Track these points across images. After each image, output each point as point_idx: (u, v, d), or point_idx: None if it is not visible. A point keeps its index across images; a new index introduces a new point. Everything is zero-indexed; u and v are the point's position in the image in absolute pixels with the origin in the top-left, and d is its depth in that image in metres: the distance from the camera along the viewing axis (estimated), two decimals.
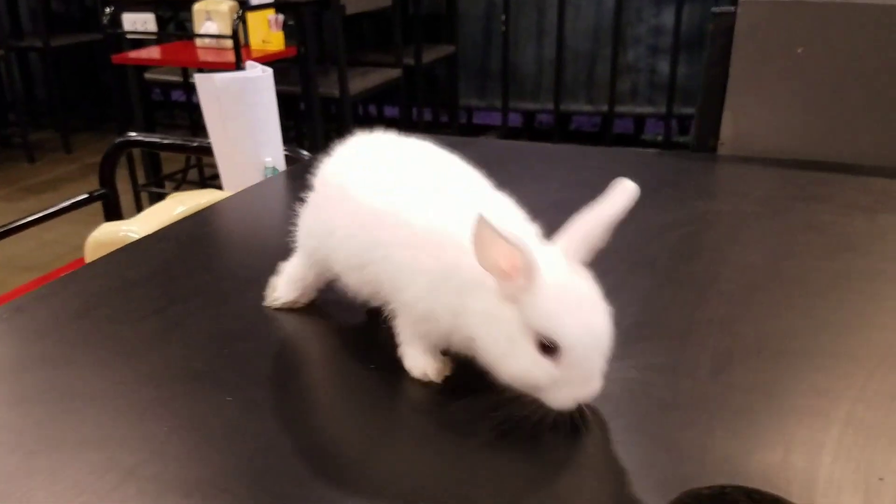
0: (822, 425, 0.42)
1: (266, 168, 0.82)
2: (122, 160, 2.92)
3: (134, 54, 2.87)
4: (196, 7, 2.74)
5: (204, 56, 2.72)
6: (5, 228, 1.03)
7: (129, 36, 2.97)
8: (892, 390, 0.45)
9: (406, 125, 3.86)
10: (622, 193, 0.47)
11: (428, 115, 4.03)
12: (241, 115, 0.81)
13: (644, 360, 0.49)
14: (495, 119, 3.97)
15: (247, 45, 2.74)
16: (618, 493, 0.39)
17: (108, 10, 2.84)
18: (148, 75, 3.17)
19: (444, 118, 4.04)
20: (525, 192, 0.75)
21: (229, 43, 2.55)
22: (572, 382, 0.42)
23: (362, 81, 3.12)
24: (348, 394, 0.48)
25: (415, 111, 3.74)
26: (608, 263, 0.51)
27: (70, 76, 4.48)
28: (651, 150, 0.88)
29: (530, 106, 3.90)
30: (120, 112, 3.26)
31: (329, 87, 2.96)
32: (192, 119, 3.43)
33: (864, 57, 0.87)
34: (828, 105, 0.90)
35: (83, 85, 4.47)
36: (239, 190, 0.79)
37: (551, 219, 0.53)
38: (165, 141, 0.97)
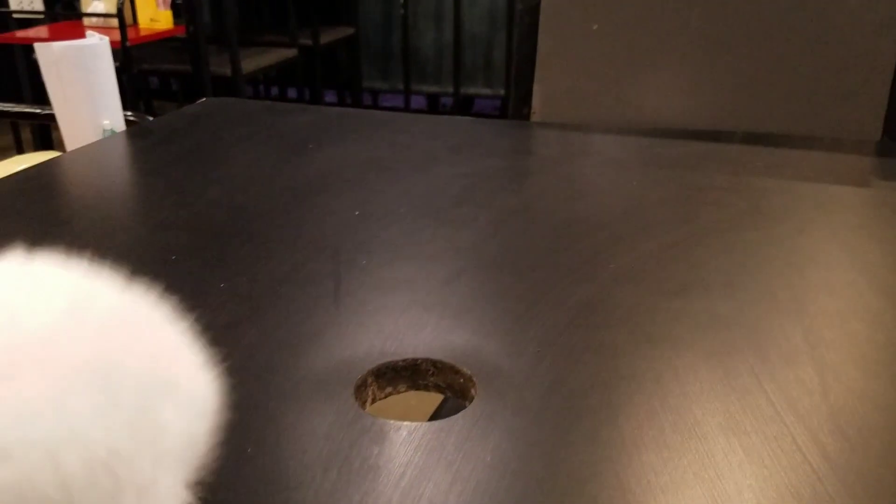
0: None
1: (105, 130, 0.88)
2: (9, 142, 2.86)
3: (21, 34, 2.82)
4: None
5: (90, 35, 2.70)
6: None
7: (15, 16, 2.92)
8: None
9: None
10: None
11: (332, 97, 4.08)
12: (79, 80, 0.87)
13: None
14: (399, 101, 4.04)
15: (135, 24, 2.73)
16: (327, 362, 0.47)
17: None
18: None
19: (349, 100, 4.09)
20: (340, 150, 0.84)
21: (115, 21, 2.54)
22: None
23: (256, 61, 3.15)
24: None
25: (315, 93, 3.77)
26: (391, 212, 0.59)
27: None
28: (473, 118, 0.97)
29: (433, 88, 3.99)
30: (10, 93, 3.19)
31: (222, 66, 2.98)
32: None
33: (654, 29, 0.99)
34: (625, 75, 1.02)
35: None
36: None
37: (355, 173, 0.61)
38: (16, 109, 1.02)
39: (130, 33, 2.64)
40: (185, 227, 0.67)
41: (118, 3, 2.48)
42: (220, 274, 0.59)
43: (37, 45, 0.87)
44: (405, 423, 0.42)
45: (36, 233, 0.65)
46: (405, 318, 0.53)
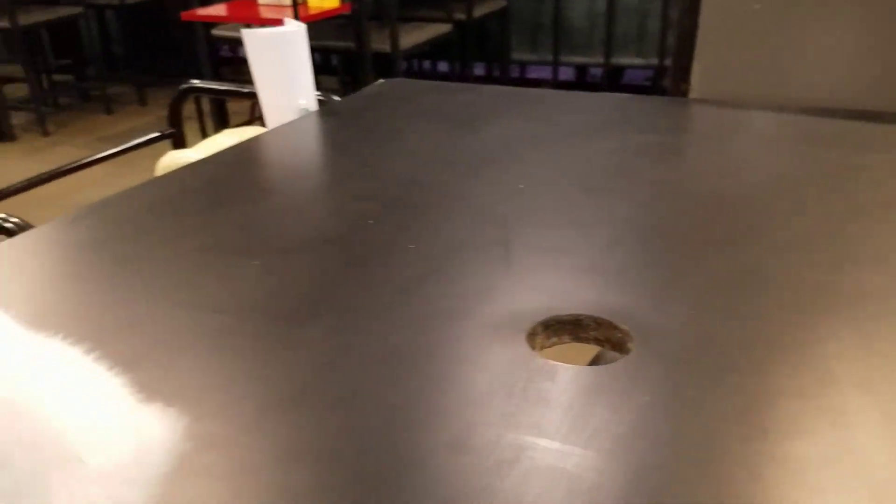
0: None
1: (300, 108, 1.00)
2: (192, 112, 3.16)
3: (202, 11, 3.08)
4: None
5: (265, 13, 2.91)
6: (86, 161, 1.24)
7: None
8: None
9: (458, 80, 4.00)
10: None
11: (480, 70, 4.16)
12: (280, 63, 0.99)
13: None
14: (547, 73, 4.07)
15: (304, 2, 2.92)
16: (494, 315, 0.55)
17: None
18: (215, 31, 3.38)
19: (497, 72, 4.16)
20: (503, 126, 0.92)
21: (288, 0, 2.73)
22: None
23: (413, 36, 3.27)
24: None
25: (465, 66, 3.86)
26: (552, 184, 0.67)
27: (143, 32, 4.74)
28: (627, 95, 1.01)
29: (581, 60, 3.98)
30: (190, 67, 3.51)
31: (382, 42, 3.12)
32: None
33: (817, 7, 1.00)
34: (786, 52, 1.03)
35: (155, 40, 4.72)
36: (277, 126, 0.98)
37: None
38: (223, 87, 1.17)
39: (301, 12, 2.83)
40: (373, 198, 0.77)
41: None
42: (408, 237, 0.68)
43: (243, 31, 1.00)
44: (572, 365, 0.50)
45: (252, 198, 0.78)
46: (568, 279, 0.60)
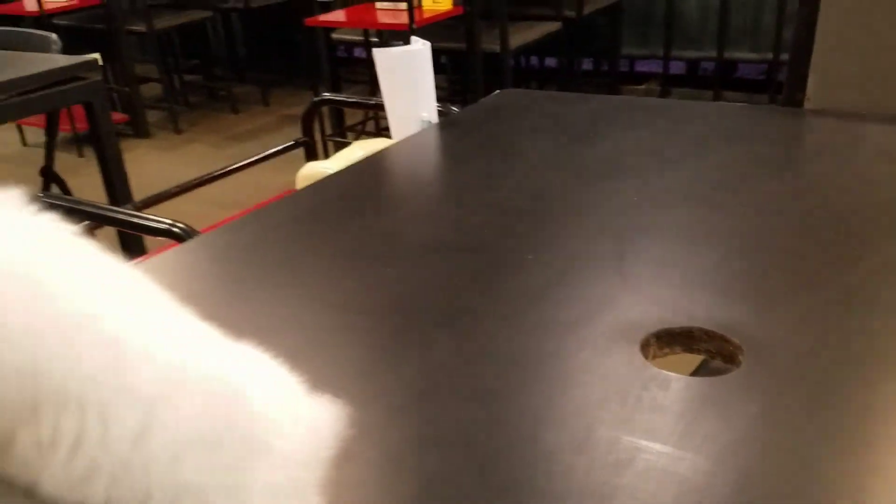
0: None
1: (422, 121, 1.07)
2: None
3: (323, 17, 3.23)
4: None
5: (382, 18, 3.02)
6: (232, 167, 1.36)
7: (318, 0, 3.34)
8: None
9: (566, 76, 4.00)
10: None
11: (588, 65, 4.15)
12: (406, 79, 1.07)
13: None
14: (657, 67, 4.02)
15: (419, 6, 3.01)
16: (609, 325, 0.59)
17: None
18: (334, 35, 3.53)
19: (605, 67, 4.14)
20: (618, 137, 0.96)
21: (404, 5, 2.83)
22: None
23: (522, 36, 3.31)
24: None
25: (572, 62, 3.87)
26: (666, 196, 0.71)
27: (266, 34, 4.98)
28: (742, 105, 1.03)
29: (693, 54, 3.91)
30: (310, 68, 3.68)
31: (491, 42, 3.18)
32: (370, 74, 3.79)
33: None
34: None
35: (278, 42, 4.94)
36: (402, 138, 1.06)
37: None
38: (351, 99, 1.26)
39: (416, 16, 2.92)
40: (493, 210, 0.83)
41: None
42: (526, 249, 0.74)
43: (374, 51, 1.07)
44: (684, 375, 0.54)
45: (383, 208, 0.85)
46: (679, 292, 0.64)
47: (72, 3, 3.93)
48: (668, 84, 4.00)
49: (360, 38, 3.49)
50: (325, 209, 0.84)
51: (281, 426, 0.35)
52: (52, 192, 1.75)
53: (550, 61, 4.25)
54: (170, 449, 0.30)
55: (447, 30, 3.40)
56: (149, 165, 3.65)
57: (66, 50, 1.81)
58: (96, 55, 1.62)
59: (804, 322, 0.59)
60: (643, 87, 4.11)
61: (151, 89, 4.45)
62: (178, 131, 4.16)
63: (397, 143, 1.02)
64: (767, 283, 0.66)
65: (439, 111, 1.11)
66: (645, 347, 0.58)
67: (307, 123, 1.28)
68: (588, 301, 0.64)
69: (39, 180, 1.78)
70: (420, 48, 1.06)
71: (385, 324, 0.63)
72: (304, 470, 0.35)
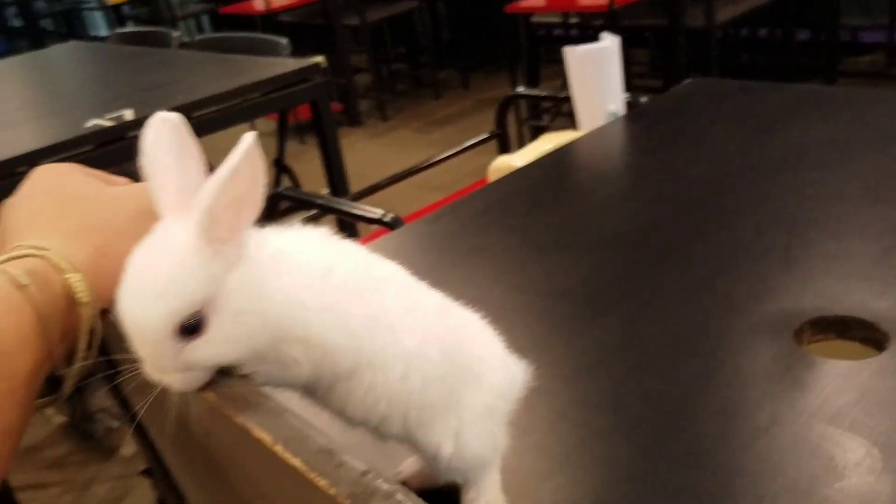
0: None
1: (609, 113, 1.15)
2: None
3: (524, 3, 3.32)
4: None
5: (581, 0, 3.07)
6: (428, 163, 1.51)
7: None
8: None
9: (779, 48, 3.80)
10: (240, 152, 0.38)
11: (804, 35, 3.91)
12: (594, 75, 1.14)
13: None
14: (880, 37, 3.70)
15: None
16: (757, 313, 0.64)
17: None
18: (534, 19, 3.62)
19: (823, 38, 3.87)
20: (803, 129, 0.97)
21: None
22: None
23: (729, 10, 3.20)
24: None
25: (787, 33, 3.66)
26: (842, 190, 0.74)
27: (470, 20, 5.16)
28: None
29: None
30: (509, 53, 3.80)
31: (696, 18, 3.11)
32: None
33: None
34: None
35: (478, 28, 5.12)
36: (589, 130, 1.14)
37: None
38: (543, 94, 1.35)
39: None
40: (669, 201, 0.89)
41: None
42: (699, 239, 0.80)
43: (565, 49, 1.16)
44: (833, 360, 0.59)
45: (566, 200, 0.94)
46: (840, 284, 0.68)
47: (293, 0, 4.33)
48: (892, 55, 3.68)
49: (558, 20, 3.55)
50: (512, 201, 0.95)
51: (490, 364, 0.48)
52: (283, 182, 2.01)
53: (763, 32, 4.05)
54: (420, 383, 0.43)
55: (648, 7, 3.37)
56: (360, 152, 3.97)
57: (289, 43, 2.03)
58: (321, 58, 1.84)
59: None
60: (866, 59, 3.81)
61: (362, 79, 4.79)
62: (384, 118, 4.46)
63: (583, 137, 1.10)
64: None
65: (628, 102, 1.18)
66: (799, 333, 0.63)
67: (501, 116, 1.39)
68: (749, 290, 0.70)
69: (272, 171, 2.05)
70: (608, 45, 1.13)
71: (560, 305, 0.73)
72: (501, 400, 0.48)
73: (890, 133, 0.96)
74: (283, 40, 2.02)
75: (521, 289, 0.76)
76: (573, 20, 3.52)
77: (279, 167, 2.03)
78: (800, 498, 0.48)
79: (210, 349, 0.39)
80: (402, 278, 0.47)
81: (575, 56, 1.16)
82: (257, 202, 0.39)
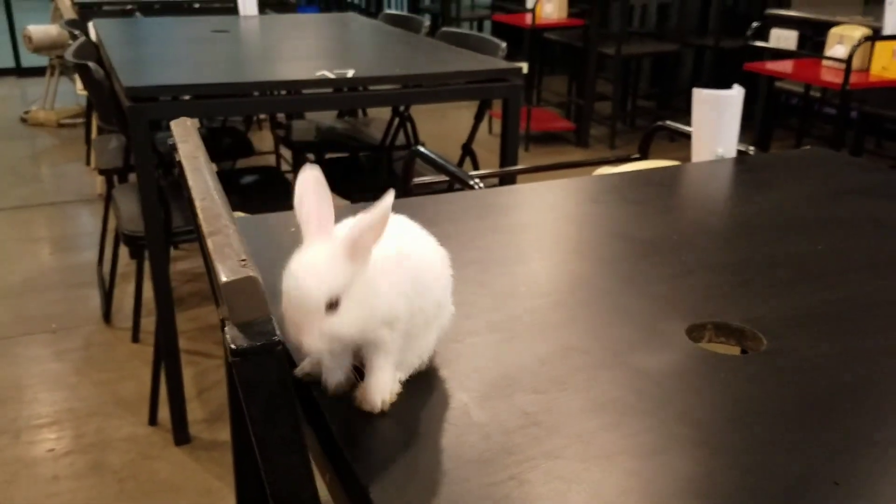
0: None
1: (717, 154, 1.23)
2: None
3: (770, 65, 3.28)
4: (832, 31, 3.01)
5: (824, 75, 2.99)
6: (572, 163, 1.64)
7: (769, 49, 3.41)
8: None
9: None
10: (381, 208, 0.55)
11: None
12: (714, 116, 1.24)
13: None
14: None
15: (867, 69, 2.91)
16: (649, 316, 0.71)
17: (754, 24, 3.33)
18: (778, 84, 3.56)
19: None
20: None
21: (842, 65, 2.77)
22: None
23: None
24: None
25: None
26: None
27: (729, 74, 5.09)
28: None
29: None
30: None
31: None
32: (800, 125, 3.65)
33: None
34: None
35: (728, 79, 5.01)
36: (695, 162, 1.23)
37: None
38: (683, 128, 1.44)
39: (860, 78, 2.84)
40: (736, 266, 0.97)
41: (850, 51, 2.70)
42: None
43: (695, 90, 1.26)
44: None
45: (622, 219, 1.06)
46: None
47: (561, 21, 4.57)
48: None
49: (799, 88, 3.46)
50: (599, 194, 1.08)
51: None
52: (465, 162, 2.24)
53: None
54: (436, 302, 0.64)
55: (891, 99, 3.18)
56: None
57: (546, 57, 2.23)
58: (523, 64, 2.04)
59: None
60: None
61: (605, 106, 4.92)
62: (612, 146, 4.57)
63: (685, 164, 1.20)
64: None
65: (739, 151, 1.26)
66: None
67: (644, 143, 1.49)
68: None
69: (460, 153, 2.29)
70: (734, 94, 1.22)
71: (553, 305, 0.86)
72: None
73: None
74: (502, 43, 2.24)
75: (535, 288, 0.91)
76: (815, 94, 3.41)
77: (465, 150, 2.26)
78: None
79: (340, 321, 0.56)
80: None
81: (701, 97, 1.26)
82: (380, 235, 0.57)
